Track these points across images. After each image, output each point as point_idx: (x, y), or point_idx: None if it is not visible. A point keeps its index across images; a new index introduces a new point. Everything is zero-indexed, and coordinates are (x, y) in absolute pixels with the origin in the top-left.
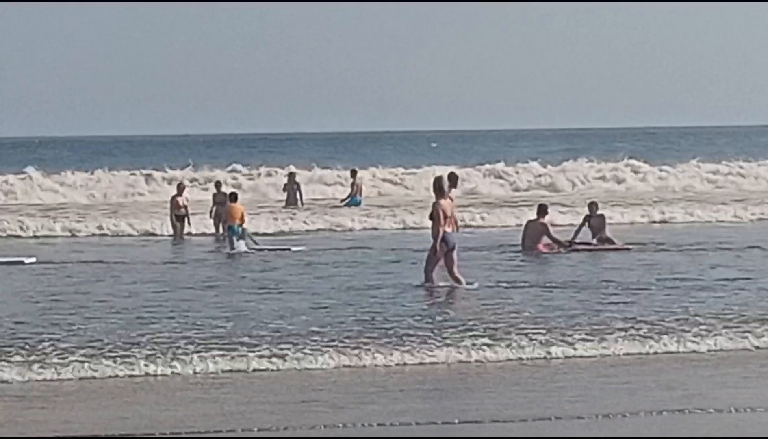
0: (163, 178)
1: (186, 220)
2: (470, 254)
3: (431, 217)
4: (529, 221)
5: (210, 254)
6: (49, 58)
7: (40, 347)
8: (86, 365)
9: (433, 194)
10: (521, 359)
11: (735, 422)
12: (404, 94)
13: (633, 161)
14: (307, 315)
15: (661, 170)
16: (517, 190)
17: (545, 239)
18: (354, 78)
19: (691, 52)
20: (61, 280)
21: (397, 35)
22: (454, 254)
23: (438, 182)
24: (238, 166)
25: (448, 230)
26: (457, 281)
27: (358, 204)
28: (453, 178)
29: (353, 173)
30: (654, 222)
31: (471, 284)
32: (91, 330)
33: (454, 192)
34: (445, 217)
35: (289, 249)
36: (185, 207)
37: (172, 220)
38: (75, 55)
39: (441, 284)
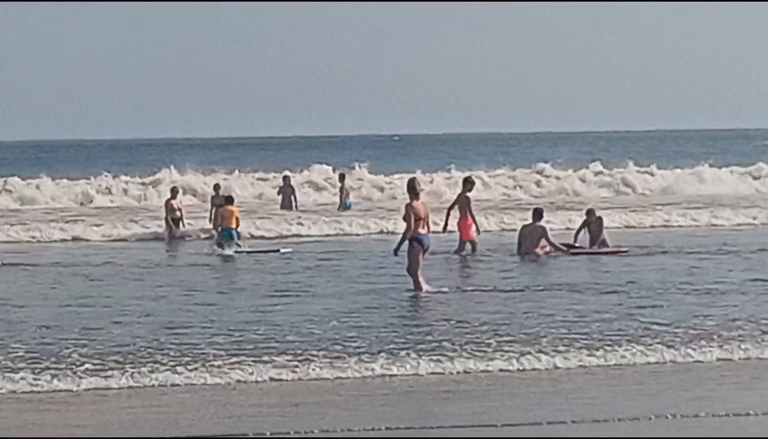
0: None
1: (181, 223)
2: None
3: (404, 218)
4: (525, 226)
5: (209, 257)
6: (47, 59)
7: (46, 350)
8: (102, 370)
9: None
10: (531, 369)
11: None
12: (406, 96)
13: (636, 167)
14: (316, 319)
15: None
16: (532, 194)
17: (542, 242)
18: (356, 79)
19: (693, 53)
20: (58, 283)
21: (401, 36)
22: (424, 256)
23: (411, 183)
24: (236, 170)
25: (423, 231)
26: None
27: (348, 207)
28: (469, 183)
29: (341, 178)
30: (666, 225)
31: (437, 289)
32: (124, 334)
33: (469, 195)
34: (418, 219)
35: (278, 250)
36: (180, 210)
37: (167, 222)
38: (74, 58)
39: (430, 289)
